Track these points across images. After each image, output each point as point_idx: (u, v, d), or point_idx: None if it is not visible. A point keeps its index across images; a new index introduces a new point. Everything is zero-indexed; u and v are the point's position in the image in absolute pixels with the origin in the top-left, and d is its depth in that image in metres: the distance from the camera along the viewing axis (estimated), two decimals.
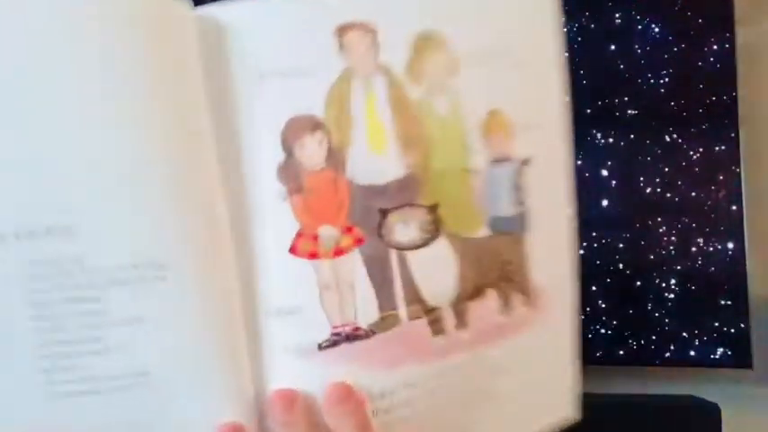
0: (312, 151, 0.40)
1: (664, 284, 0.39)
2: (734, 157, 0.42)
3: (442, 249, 0.43)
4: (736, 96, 0.43)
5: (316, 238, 0.41)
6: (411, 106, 0.42)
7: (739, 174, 0.42)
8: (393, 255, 0.42)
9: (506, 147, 0.45)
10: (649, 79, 0.47)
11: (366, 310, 0.42)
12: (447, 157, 0.43)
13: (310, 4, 0.41)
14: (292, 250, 0.41)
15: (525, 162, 0.45)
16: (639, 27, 0.45)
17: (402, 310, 0.42)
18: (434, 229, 0.43)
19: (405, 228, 0.42)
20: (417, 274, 0.43)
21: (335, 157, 0.41)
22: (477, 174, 0.44)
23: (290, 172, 0.41)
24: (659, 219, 0.43)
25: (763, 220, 0.42)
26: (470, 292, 0.44)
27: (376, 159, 0.42)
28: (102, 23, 0.37)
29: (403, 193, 0.42)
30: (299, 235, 0.41)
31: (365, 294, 0.42)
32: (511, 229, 0.46)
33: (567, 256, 0.48)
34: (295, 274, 0.41)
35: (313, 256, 0.41)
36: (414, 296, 0.43)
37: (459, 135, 0.43)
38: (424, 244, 0.43)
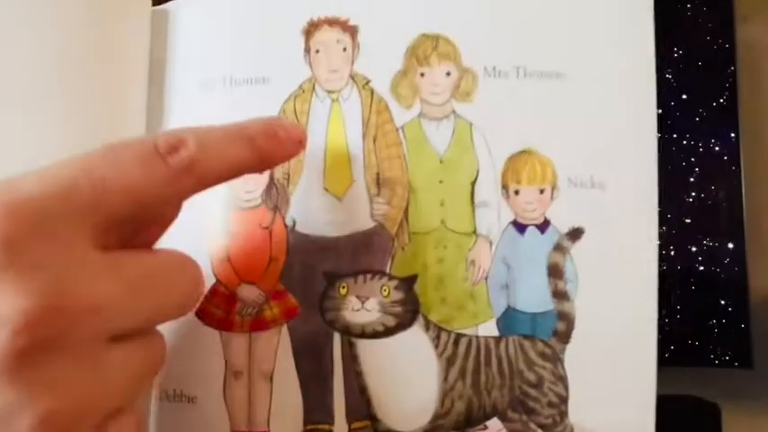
0: (247, 180, 0.31)
1: (663, 284, 0.40)
2: (734, 157, 0.45)
3: (415, 345, 0.31)
4: (736, 96, 0.46)
5: (232, 300, 0.31)
6: (394, 135, 0.31)
7: (739, 174, 0.45)
8: (337, 341, 0.30)
9: (542, 206, 0.32)
10: None
11: (284, 418, 0.30)
12: (440, 212, 0.31)
13: None
14: (198, 313, 0.31)
15: (574, 234, 0.32)
16: None
17: (340, 428, 0.30)
18: (405, 313, 0.31)
19: (360, 304, 0.30)
20: (370, 376, 0.30)
21: (276, 193, 0.31)
22: (487, 241, 0.31)
23: (215, 206, 0.31)
24: (659, 219, 0.43)
25: (763, 220, 0.46)
26: (459, 420, 0.31)
27: (332, 203, 0.31)
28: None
29: (364, 254, 0.31)
30: (211, 293, 0.31)
31: (287, 394, 0.30)
32: (539, 334, 0.32)
33: (643, 392, 0.33)
34: (195, 348, 0.30)
35: (224, 325, 0.31)
36: (360, 409, 0.30)
37: (464, 181, 0.31)
38: (387, 332, 0.30)
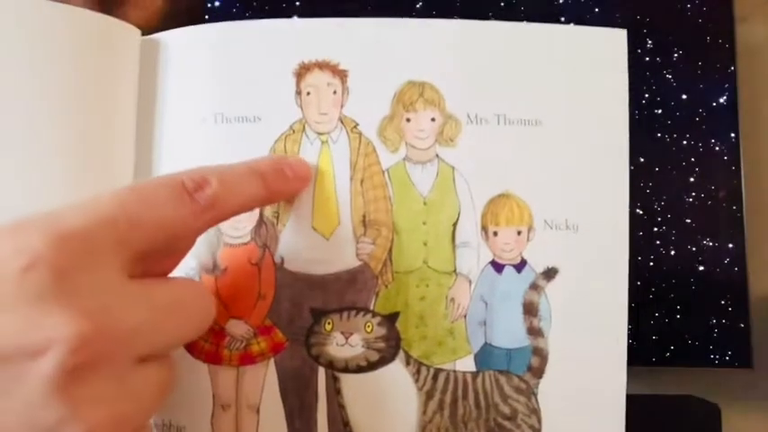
0: (237, 217, 0.32)
1: (663, 284, 0.45)
2: (734, 157, 0.45)
3: (396, 379, 0.32)
4: (736, 96, 0.46)
5: (221, 334, 0.32)
6: (380, 177, 0.33)
7: (739, 174, 0.45)
8: (321, 375, 0.32)
9: (519, 246, 0.33)
10: (649, 79, 0.48)
11: None
12: (423, 252, 0.33)
13: (273, 37, 0.34)
14: (187, 347, 0.32)
15: (549, 274, 0.33)
16: (639, 26, 0.49)
17: None
18: (388, 349, 0.32)
19: (344, 339, 0.32)
20: (353, 409, 0.32)
21: (266, 231, 0.32)
22: (466, 280, 0.33)
23: (205, 242, 0.32)
24: (659, 218, 0.48)
25: (763, 220, 0.46)
26: None
27: (319, 242, 0.33)
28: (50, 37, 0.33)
29: (349, 291, 0.32)
30: None
31: (273, 426, 0.31)
32: (515, 369, 0.33)
33: (613, 425, 0.34)
34: (184, 381, 0.31)
35: (212, 359, 0.32)
36: None
37: (446, 223, 0.33)
38: (370, 367, 0.32)
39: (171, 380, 0.26)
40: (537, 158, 0.34)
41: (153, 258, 0.26)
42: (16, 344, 0.22)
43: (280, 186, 0.31)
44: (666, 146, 0.48)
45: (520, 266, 0.34)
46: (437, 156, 0.34)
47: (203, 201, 0.26)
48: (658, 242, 0.47)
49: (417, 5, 0.48)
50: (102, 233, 0.24)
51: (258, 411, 0.32)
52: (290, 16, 0.46)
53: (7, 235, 0.23)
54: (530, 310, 0.34)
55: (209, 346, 0.32)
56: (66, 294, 0.22)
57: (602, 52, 0.35)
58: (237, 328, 0.32)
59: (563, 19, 0.49)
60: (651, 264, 0.47)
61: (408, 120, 0.34)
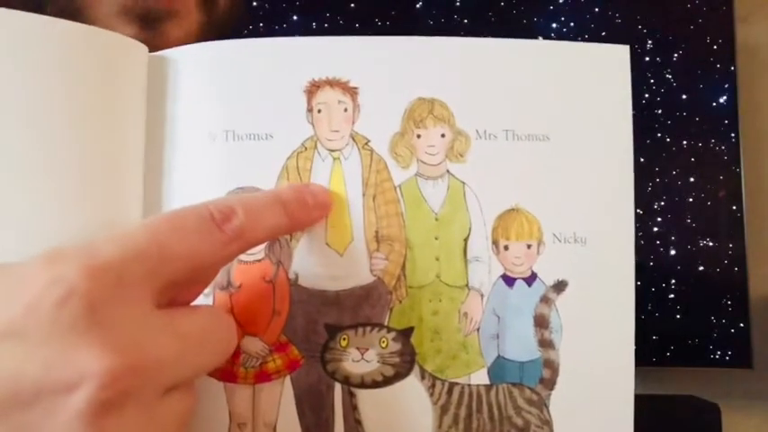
0: None
1: (663, 284, 0.44)
2: (734, 157, 0.45)
3: (411, 394, 0.32)
4: (736, 96, 0.46)
5: (236, 352, 0.32)
6: (392, 194, 0.33)
7: (739, 174, 0.45)
8: (338, 391, 0.32)
9: (529, 260, 0.34)
10: (649, 79, 0.49)
11: None
12: (435, 267, 0.33)
13: (283, 55, 0.34)
14: None
15: (559, 287, 0.34)
16: (639, 27, 0.50)
17: None
18: (403, 364, 0.32)
19: (360, 355, 0.32)
20: (369, 424, 0.32)
21: (279, 247, 0.33)
22: (478, 294, 0.33)
23: None
24: (659, 219, 0.48)
25: (763, 221, 0.47)
26: None
27: (333, 258, 0.33)
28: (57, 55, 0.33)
29: (363, 307, 0.33)
30: None
31: None
32: (527, 382, 0.34)
33: None
34: (200, 400, 0.31)
35: (228, 377, 0.32)
36: None
37: (458, 237, 0.34)
38: (386, 382, 0.32)
39: (193, 408, 0.27)
40: (545, 173, 0.35)
41: (178, 288, 0.26)
42: (48, 378, 0.22)
43: (301, 215, 0.31)
44: (666, 146, 0.49)
45: (530, 280, 0.35)
46: (448, 171, 0.34)
47: (230, 232, 0.27)
48: (658, 242, 0.48)
49: (417, 5, 0.48)
50: (134, 265, 0.24)
51: (275, 429, 0.32)
52: (290, 15, 0.46)
53: (42, 266, 0.23)
54: (541, 322, 0.35)
55: (224, 365, 0.33)
56: (98, 328, 0.22)
57: (606, 68, 0.36)
58: (253, 345, 0.32)
59: (563, 19, 0.49)
60: (651, 264, 0.47)
61: (419, 136, 0.34)
